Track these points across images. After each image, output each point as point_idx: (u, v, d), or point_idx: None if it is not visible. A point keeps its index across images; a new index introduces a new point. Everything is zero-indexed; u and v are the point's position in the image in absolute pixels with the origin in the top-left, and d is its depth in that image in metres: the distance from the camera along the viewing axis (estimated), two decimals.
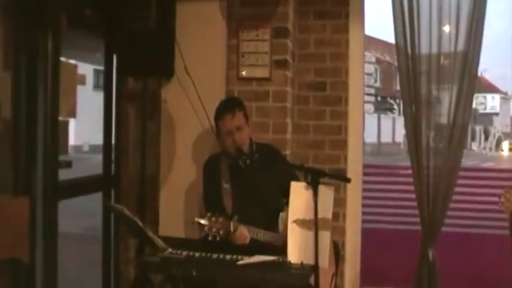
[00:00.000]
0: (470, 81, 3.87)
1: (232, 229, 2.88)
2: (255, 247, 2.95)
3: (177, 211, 3.83)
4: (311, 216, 2.64)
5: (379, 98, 31.18)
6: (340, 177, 3.26)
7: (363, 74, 4.19)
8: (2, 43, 3.83)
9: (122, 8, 3.74)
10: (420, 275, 3.80)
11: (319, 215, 2.61)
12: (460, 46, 3.88)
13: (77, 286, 4.54)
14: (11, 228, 1.65)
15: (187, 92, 3.82)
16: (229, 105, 3.31)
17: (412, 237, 3.92)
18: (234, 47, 3.88)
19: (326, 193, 2.70)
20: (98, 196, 4.03)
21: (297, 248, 2.69)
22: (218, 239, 2.80)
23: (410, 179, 3.90)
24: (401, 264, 3.96)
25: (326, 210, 2.70)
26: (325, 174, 2.79)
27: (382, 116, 30.15)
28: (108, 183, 4.18)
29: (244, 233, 2.95)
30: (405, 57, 3.93)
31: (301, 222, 2.71)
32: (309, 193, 2.66)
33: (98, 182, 4.19)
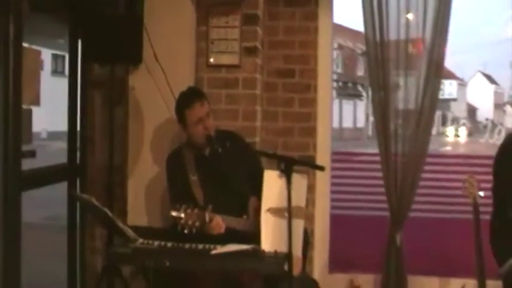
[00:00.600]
0: (436, 68, 3.92)
1: (207, 219, 2.88)
2: (230, 236, 2.96)
3: (145, 200, 3.78)
4: (284, 204, 2.63)
5: (340, 84, 31.44)
6: (313, 165, 3.26)
7: (332, 61, 4.20)
8: None
9: None
10: (388, 259, 3.85)
11: (293, 203, 2.61)
12: (428, 33, 3.91)
13: (41, 277, 4.45)
14: None
15: (156, 80, 3.76)
16: (196, 94, 3.32)
17: (379, 223, 3.96)
18: (204, 33, 3.82)
19: (299, 181, 2.70)
20: (57, 186, 3.94)
21: (270, 236, 2.70)
22: (194, 231, 2.80)
23: (378, 166, 3.93)
24: (370, 249, 4.01)
25: (299, 199, 2.70)
26: (298, 162, 2.79)
27: (343, 101, 30.41)
28: (73, 173, 4.10)
29: (219, 223, 2.96)
30: (374, 44, 3.95)
31: (275, 211, 2.72)
32: (282, 181, 2.66)
33: (63, 171, 4.10)
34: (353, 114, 30.84)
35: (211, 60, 3.83)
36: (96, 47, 3.71)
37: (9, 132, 3.23)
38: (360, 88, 31.75)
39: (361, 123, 31.70)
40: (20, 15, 3.34)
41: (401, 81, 4.01)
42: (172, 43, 3.81)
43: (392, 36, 3.96)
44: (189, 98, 3.27)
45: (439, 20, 3.88)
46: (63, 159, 4.22)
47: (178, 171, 3.27)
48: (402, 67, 4.00)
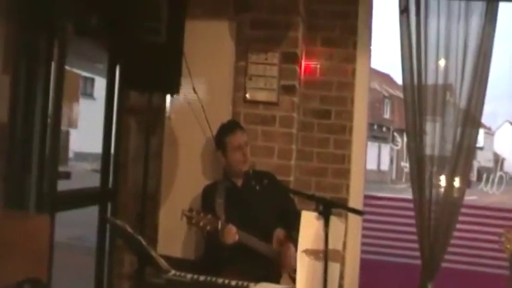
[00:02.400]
0: (475, 116, 3.88)
1: (220, 226, 2.98)
2: (249, 254, 3.07)
3: (176, 229, 3.76)
4: (321, 246, 2.59)
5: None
6: (352, 210, 3.22)
7: (367, 104, 4.18)
8: (5, 47, 3.77)
9: (131, 18, 3.69)
10: None
11: (330, 246, 2.57)
12: (466, 81, 3.89)
13: None
14: (33, 247, 1.58)
15: (193, 110, 3.78)
16: (237, 123, 3.52)
17: (411, 271, 3.88)
18: (242, 68, 3.86)
19: (337, 224, 2.65)
20: None
21: (305, 278, 2.64)
22: (205, 233, 2.96)
23: (411, 212, 3.88)
24: None
25: (337, 242, 2.65)
26: (336, 205, 2.75)
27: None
28: (104, 197, 4.11)
29: (232, 231, 3.04)
30: (411, 89, 3.94)
31: (311, 252, 2.67)
32: (319, 223, 2.61)
33: (95, 195, 4.11)
34: (377, 157, 30.61)
35: (248, 95, 3.85)
36: (135, 74, 3.74)
37: (46, 153, 3.27)
38: (384, 130, 31.60)
39: (385, 166, 31.43)
40: (64, 38, 3.41)
41: (438, 128, 3.97)
42: (211, 76, 3.84)
43: (430, 81, 3.95)
44: (231, 125, 3.45)
45: (479, 67, 3.86)
46: (89, 181, 4.25)
47: (209, 199, 3.34)
48: (439, 113, 3.97)
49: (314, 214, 2.66)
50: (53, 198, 3.22)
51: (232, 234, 3.04)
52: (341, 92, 4.03)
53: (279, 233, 3.26)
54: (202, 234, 3.03)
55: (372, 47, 4.11)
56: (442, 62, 3.96)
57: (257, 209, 3.32)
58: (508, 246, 3.11)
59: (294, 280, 2.86)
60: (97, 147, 4.37)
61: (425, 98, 3.94)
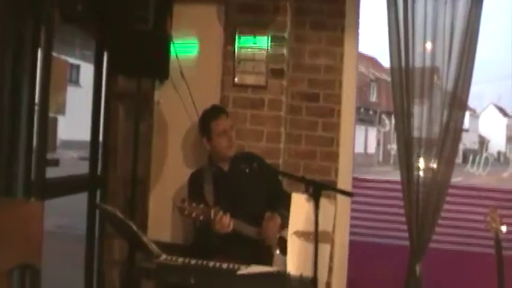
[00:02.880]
0: (462, 99, 3.92)
1: (212, 215, 2.96)
2: (237, 240, 3.06)
3: (167, 214, 3.78)
4: (311, 228, 2.62)
5: None
6: (342, 191, 3.25)
7: (355, 87, 4.20)
8: None
9: (118, 6, 3.68)
10: None
11: (320, 228, 2.60)
12: (453, 63, 3.91)
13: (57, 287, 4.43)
14: (25, 233, 1.59)
15: (181, 95, 3.78)
16: (220, 107, 3.48)
17: (399, 252, 3.93)
18: (231, 52, 3.85)
19: (327, 206, 2.69)
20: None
21: (296, 260, 2.68)
22: (198, 224, 2.96)
23: (399, 194, 3.92)
24: (388, 278, 3.97)
25: (327, 223, 2.69)
26: (326, 187, 2.78)
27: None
28: (94, 183, 4.10)
29: (225, 220, 3.01)
30: (398, 72, 3.95)
31: (301, 234, 2.70)
32: (309, 205, 2.65)
33: (84, 182, 4.10)
34: (364, 140, 30.77)
35: (236, 79, 3.85)
36: (123, 61, 3.73)
37: (34, 140, 3.25)
38: (371, 114, 31.74)
39: (371, 149, 31.59)
40: (51, 25, 3.38)
41: (425, 110, 4.00)
42: (199, 60, 3.83)
43: (417, 64, 3.97)
44: (214, 110, 3.41)
45: (465, 49, 3.88)
46: (76, 169, 4.24)
47: (197, 185, 3.33)
48: (426, 96, 4.00)
49: (304, 196, 2.70)
50: (41, 186, 3.22)
51: (226, 223, 3.02)
52: (329, 75, 4.04)
53: (268, 215, 3.25)
54: (195, 224, 3.01)
55: (359, 31, 4.12)
56: (428, 45, 3.98)
57: (246, 193, 3.32)
58: (494, 225, 3.18)
59: (282, 248, 2.96)
60: (84, 135, 4.36)
61: (413, 80, 3.95)
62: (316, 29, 4.06)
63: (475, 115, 41.89)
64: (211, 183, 3.29)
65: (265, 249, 3.17)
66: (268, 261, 3.11)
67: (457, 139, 3.94)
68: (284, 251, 2.86)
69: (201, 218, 2.94)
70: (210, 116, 3.37)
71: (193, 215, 2.93)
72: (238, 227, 3.09)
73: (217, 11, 3.88)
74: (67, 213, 6.58)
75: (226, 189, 3.30)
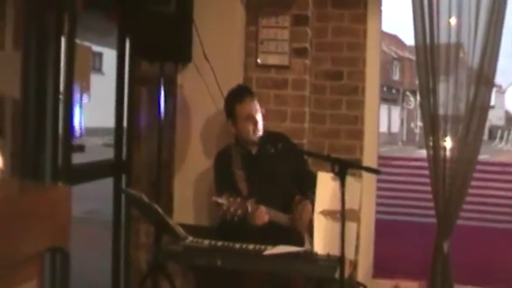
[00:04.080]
0: (489, 75, 3.84)
1: (250, 209, 2.89)
2: (272, 230, 2.98)
3: (191, 198, 3.79)
4: (338, 207, 2.61)
5: None
6: (368, 169, 3.23)
7: (379, 64, 4.15)
8: (15, 23, 3.76)
9: None
10: (434, 267, 3.79)
11: (347, 206, 2.59)
12: (479, 39, 3.83)
13: (85, 271, 4.51)
14: (54, 216, 1.61)
15: (205, 78, 3.77)
16: (247, 90, 3.35)
17: (426, 230, 3.91)
18: (253, 33, 3.83)
19: (353, 184, 2.68)
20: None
21: (322, 239, 2.68)
22: (236, 219, 2.83)
23: (426, 171, 3.88)
24: (415, 256, 3.95)
25: (353, 202, 2.68)
26: (352, 165, 2.76)
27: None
28: (119, 168, 4.14)
29: (263, 213, 2.97)
30: (423, 49, 3.89)
31: (328, 213, 2.69)
32: (335, 184, 2.64)
33: (109, 167, 4.14)
34: (388, 119, 30.53)
35: (259, 60, 3.83)
36: (145, 45, 3.73)
37: (59, 127, 3.29)
38: (394, 92, 31.46)
39: (395, 128, 31.35)
40: (74, 12, 3.39)
41: (451, 87, 3.94)
42: (222, 42, 3.80)
43: (442, 40, 3.90)
44: (240, 93, 3.30)
45: (491, 24, 3.80)
46: (100, 155, 4.28)
47: (225, 168, 3.29)
48: (452, 73, 3.93)
49: (330, 175, 2.68)
50: (68, 171, 3.25)
51: (263, 216, 2.96)
52: (352, 53, 4.00)
53: (298, 200, 3.19)
54: (231, 218, 2.85)
55: (382, 7, 4.06)
56: (453, 20, 3.90)
57: (274, 175, 3.26)
58: None
59: (312, 233, 2.87)
60: (107, 122, 4.39)
61: (438, 57, 3.88)
62: (338, 7, 4.01)
63: (500, 91, 41.22)
64: (241, 168, 3.24)
65: (296, 234, 3.10)
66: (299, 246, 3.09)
67: (483, 116, 3.86)
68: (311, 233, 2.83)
69: (239, 212, 2.85)
70: (235, 99, 3.28)
71: (231, 210, 2.83)
72: (273, 217, 3.03)
73: None
74: (93, 199, 6.65)
75: (255, 172, 3.25)
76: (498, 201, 3.97)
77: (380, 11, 4.07)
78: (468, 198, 3.85)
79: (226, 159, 3.32)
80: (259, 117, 3.25)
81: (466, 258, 3.88)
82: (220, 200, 2.83)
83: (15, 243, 1.44)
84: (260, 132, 3.24)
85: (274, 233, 2.96)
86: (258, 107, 3.28)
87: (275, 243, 2.79)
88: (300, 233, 3.10)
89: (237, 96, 3.27)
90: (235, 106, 3.25)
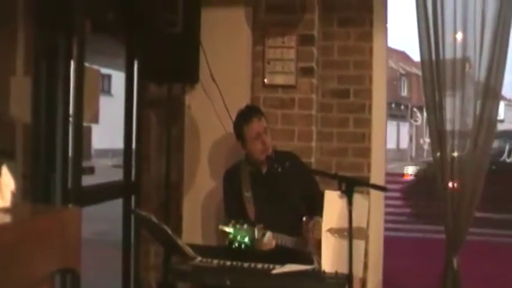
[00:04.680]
0: (495, 89, 3.85)
1: (257, 236, 2.88)
2: (281, 253, 2.97)
3: (200, 218, 3.81)
4: (345, 224, 2.62)
5: None
6: (375, 186, 3.23)
7: (386, 81, 4.17)
8: (25, 48, 3.82)
9: (147, 11, 3.73)
10: (444, 283, 3.77)
11: (354, 224, 2.59)
12: (485, 54, 3.85)
13: None
14: (64, 238, 1.64)
15: (212, 99, 3.81)
16: (254, 110, 3.38)
17: (435, 246, 3.89)
18: (260, 53, 3.86)
19: (361, 202, 2.68)
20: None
21: (331, 257, 2.68)
22: (243, 246, 2.82)
23: None
24: (425, 272, 3.93)
25: (361, 219, 2.68)
26: (359, 183, 2.77)
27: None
28: (128, 190, 4.17)
29: (270, 239, 2.96)
30: (429, 64, 3.91)
31: (336, 231, 2.70)
32: (343, 202, 2.65)
33: (119, 188, 4.17)
34: (396, 135, 30.49)
35: (266, 80, 3.86)
36: (153, 67, 3.77)
37: (69, 149, 3.33)
38: (403, 109, 31.44)
39: (404, 144, 31.27)
40: (83, 36, 3.45)
41: (458, 102, 3.95)
42: (229, 63, 3.85)
43: (448, 55, 3.92)
44: (247, 114, 3.32)
45: (498, 37, 3.81)
46: (110, 176, 4.31)
47: (234, 187, 3.31)
48: (458, 87, 3.94)
49: (337, 193, 2.69)
50: (78, 193, 3.29)
51: (270, 243, 2.96)
52: (359, 71, 4.02)
53: (307, 222, 3.18)
54: (239, 247, 2.83)
55: (388, 25, 4.10)
56: (459, 35, 3.92)
57: (284, 196, 3.27)
58: None
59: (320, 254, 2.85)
60: (117, 143, 4.43)
61: (444, 72, 3.89)
62: (344, 25, 4.04)
63: (511, 104, 41.04)
64: (250, 189, 3.25)
65: (305, 256, 3.07)
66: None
67: (491, 130, 3.87)
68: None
69: (246, 239, 2.83)
70: (242, 120, 3.30)
71: (239, 238, 2.81)
72: (280, 242, 3.02)
73: (245, 13, 3.89)
74: (103, 220, 6.67)
75: (264, 193, 3.26)
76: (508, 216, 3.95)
77: (386, 28, 4.09)
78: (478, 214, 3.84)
79: (234, 179, 3.34)
80: (267, 136, 3.27)
81: (477, 274, 3.86)
82: (227, 229, 2.84)
83: (26, 266, 1.47)
84: (269, 151, 3.26)
85: (281, 256, 2.93)
86: (265, 125, 3.30)
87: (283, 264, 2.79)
88: (308, 254, 3.10)
89: (244, 118, 3.30)
90: (242, 128, 3.28)
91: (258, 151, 3.24)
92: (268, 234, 2.95)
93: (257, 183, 3.29)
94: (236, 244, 2.81)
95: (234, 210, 3.23)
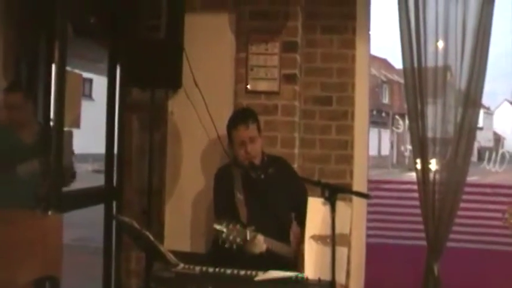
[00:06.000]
0: (476, 97, 3.89)
1: (248, 237, 2.88)
2: (269, 258, 2.97)
3: (182, 224, 3.78)
4: (328, 231, 2.62)
5: None
6: (358, 193, 3.24)
7: (368, 89, 4.19)
8: (4, 51, 3.78)
9: (130, 17, 3.71)
10: None
11: (337, 231, 2.60)
12: (466, 62, 3.89)
13: None
14: (45, 246, 1.62)
15: (195, 104, 3.79)
16: (244, 116, 3.32)
17: (416, 253, 3.92)
18: (243, 60, 3.86)
19: (344, 209, 2.69)
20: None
21: (314, 264, 2.68)
22: (235, 246, 2.82)
23: (415, 194, 3.91)
24: (406, 279, 3.95)
25: (344, 226, 2.69)
26: (342, 190, 2.78)
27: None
28: (110, 195, 4.14)
29: (261, 242, 2.96)
30: (411, 72, 3.94)
31: (319, 238, 2.70)
32: (326, 209, 2.65)
33: (100, 194, 4.14)
34: (378, 142, 30.64)
35: (249, 86, 3.86)
36: (136, 72, 3.75)
37: (50, 153, 3.29)
38: (384, 116, 31.62)
39: (385, 152, 31.45)
40: (64, 40, 3.42)
41: (439, 110, 3.98)
42: (212, 69, 3.84)
43: (429, 63, 3.95)
44: (235, 119, 3.31)
45: (478, 47, 3.86)
46: (91, 182, 4.27)
47: (226, 186, 3.29)
48: (440, 95, 3.98)
49: (320, 200, 2.69)
50: (58, 199, 3.25)
51: (261, 245, 2.96)
52: (341, 78, 4.04)
53: (296, 230, 3.19)
54: (230, 246, 2.82)
55: (370, 32, 4.13)
56: (440, 44, 3.96)
57: (273, 202, 3.27)
58: None
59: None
60: (98, 148, 4.39)
61: (426, 80, 3.93)
62: (327, 33, 4.06)
63: (489, 112, 41.55)
64: (242, 191, 3.24)
65: (292, 264, 3.06)
66: None
67: (471, 137, 3.91)
68: None
69: (238, 240, 2.83)
70: (231, 124, 3.30)
71: (231, 237, 2.82)
72: (270, 246, 3.02)
73: (229, 19, 3.88)
74: (82, 226, 6.61)
75: (255, 197, 3.25)
76: (488, 222, 3.99)
77: (368, 36, 4.12)
78: (458, 220, 3.87)
79: (227, 178, 3.31)
80: (256, 143, 3.25)
81: (457, 280, 3.89)
82: (220, 227, 2.83)
83: (7, 274, 1.45)
84: (253, 159, 3.24)
85: (270, 262, 2.93)
86: (253, 133, 3.25)
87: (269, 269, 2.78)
88: (295, 260, 3.09)
89: (232, 122, 3.30)
90: (231, 131, 3.29)
91: (241, 157, 3.25)
92: (259, 237, 2.96)
93: (248, 186, 3.28)
94: (228, 244, 2.81)
95: (224, 210, 3.21)
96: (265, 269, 2.74)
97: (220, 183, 3.35)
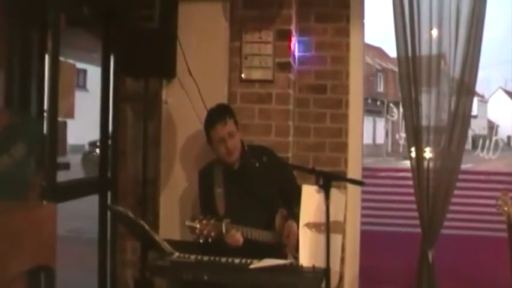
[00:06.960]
0: (470, 85, 3.90)
1: (224, 230, 2.91)
2: (253, 247, 2.99)
3: (177, 214, 3.79)
4: (322, 219, 2.63)
5: None
6: (353, 181, 3.26)
7: (362, 77, 4.20)
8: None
9: (123, 7, 3.69)
10: (420, 276, 3.82)
11: (331, 218, 2.61)
12: (460, 50, 3.90)
13: None
14: (39, 236, 1.62)
15: (189, 94, 3.78)
16: (220, 114, 3.30)
17: (411, 240, 3.94)
18: (237, 49, 3.86)
19: (338, 196, 2.71)
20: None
21: (308, 251, 2.69)
22: (210, 240, 2.86)
23: (410, 182, 3.92)
24: (401, 266, 3.98)
25: (338, 214, 2.71)
26: (337, 178, 2.79)
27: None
28: (104, 185, 4.13)
29: (236, 236, 2.98)
30: (405, 60, 3.94)
31: (313, 225, 2.72)
32: (320, 196, 2.66)
33: (95, 184, 4.13)
34: (373, 131, 30.71)
35: (243, 75, 3.86)
36: (130, 61, 3.73)
37: (45, 144, 3.28)
38: (379, 104, 31.66)
39: (380, 140, 31.52)
40: (57, 30, 3.40)
41: (433, 98, 3.99)
42: (206, 58, 3.82)
43: (424, 52, 3.96)
44: (212, 118, 3.29)
45: (471, 34, 3.86)
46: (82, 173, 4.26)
47: (207, 187, 3.31)
48: (434, 83, 3.99)
49: (315, 187, 2.71)
50: (53, 189, 3.25)
51: (236, 239, 2.97)
52: (336, 66, 4.04)
53: (282, 213, 3.22)
54: (205, 241, 2.89)
55: (364, 20, 4.12)
56: (434, 32, 3.96)
57: (258, 188, 3.28)
58: (506, 208, 3.16)
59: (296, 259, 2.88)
60: (92, 139, 4.37)
61: (420, 68, 3.94)
62: (321, 21, 4.06)
63: (483, 100, 41.65)
64: (222, 185, 3.25)
65: (279, 250, 3.12)
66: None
67: (466, 125, 3.93)
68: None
69: (213, 234, 2.87)
70: (208, 124, 3.29)
71: (205, 232, 2.86)
72: (250, 236, 3.04)
73: (223, 8, 3.86)
74: (77, 217, 6.60)
75: (236, 188, 3.26)
76: (482, 209, 4.01)
77: (363, 24, 4.12)
78: (452, 207, 3.89)
79: (207, 178, 3.33)
80: (235, 138, 3.24)
81: (451, 267, 3.92)
82: (192, 224, 2.87)
83: (1, 263, 1.45)
84: (233, 155, 3.24)
85: (255, 250, 2.94)
86: (231, 128, 3.24)
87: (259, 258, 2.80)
88: (281, 247, 3.13)
89: (210, 121, 3.28)
90: (208, 131, 3.28)
91: (223, 154, 3.24)
92: (234, 230, 2.97)
93: (229, 180, 3.29)
94: (203, 238, 2.85)
95: (206, 207, 3.25)
96: (248, 257, 2.76)
97: (202, 182, 3.37)
